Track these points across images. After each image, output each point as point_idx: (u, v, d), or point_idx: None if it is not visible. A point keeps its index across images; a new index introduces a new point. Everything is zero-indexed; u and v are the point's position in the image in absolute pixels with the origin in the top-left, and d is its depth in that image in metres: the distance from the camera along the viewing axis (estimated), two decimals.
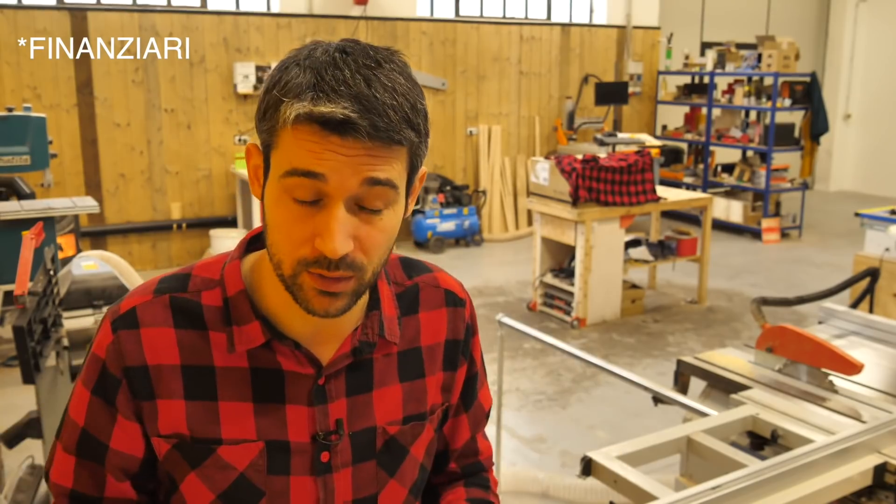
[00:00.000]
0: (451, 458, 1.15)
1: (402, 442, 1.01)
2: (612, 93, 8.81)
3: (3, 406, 3.89)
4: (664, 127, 9.88)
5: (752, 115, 9.02)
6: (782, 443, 1.77)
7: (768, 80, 8.44)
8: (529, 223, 8.39)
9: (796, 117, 9.10)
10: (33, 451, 2.88)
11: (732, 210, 8.61)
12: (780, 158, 8.89)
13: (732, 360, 2.30)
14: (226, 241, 6.70)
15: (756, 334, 2.40)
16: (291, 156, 0.82)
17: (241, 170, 6.90)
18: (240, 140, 7.06)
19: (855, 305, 4.05)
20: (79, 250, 4.62)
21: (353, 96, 0.80)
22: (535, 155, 8.62)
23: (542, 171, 5.62)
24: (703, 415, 2.03)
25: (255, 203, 6.67)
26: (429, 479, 1.14)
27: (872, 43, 11.20)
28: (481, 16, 8.57)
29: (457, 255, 7.58)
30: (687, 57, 9.46)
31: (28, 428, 2.62)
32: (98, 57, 6.53)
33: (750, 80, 8.67)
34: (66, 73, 6.45)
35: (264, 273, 0.94)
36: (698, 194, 7.05)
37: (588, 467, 1.63)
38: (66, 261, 3.30)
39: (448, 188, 7.88)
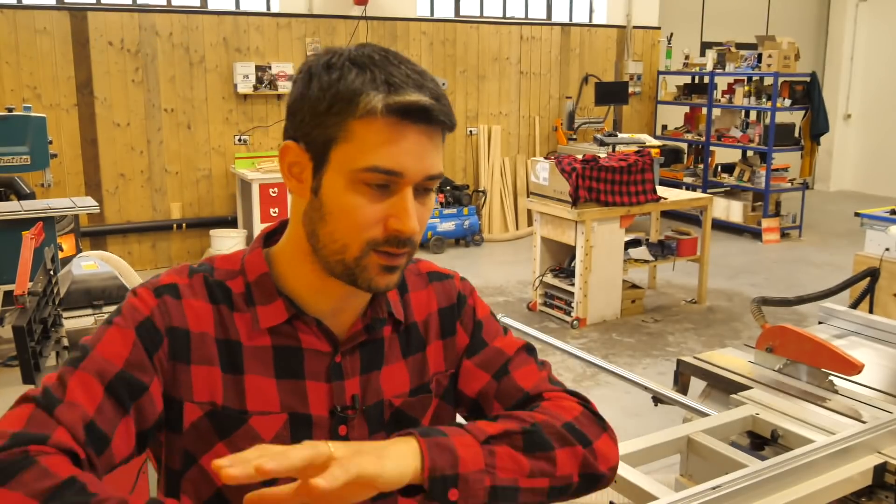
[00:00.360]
0: (482, 406, 1.09)
1: (410, 413, 1.06)
2: (612, 93, 8.81)
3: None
4: (664, 127, 9.88)
5: (752, 115, 9.02)
6: (782, 443, 1.77)
7: (768, 80, 8.44)
8: (529, 223, 8.39)
9: (796, 117, 9.10)
10: None
11: (732, 210, 8.61)
12: (780, 158, 8.89)
13: (732, 360, 2.30)
14: (226, 241, 6.70)
15: (756, 334, 2.40)
16: (370, 150, 0.90)
17: (241, 170, 6.90)
18: (240, 140, 7.06)
19: (855, 305, 4.05)
20: (79, 250, 4.62)
21: (421, 86, 0.93)
22: (535, 155, 8.61)
23: (542, 171, 5.62)
24: (703, 415, 2.03)
25: (256, 203, 6.67)
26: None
27: (872, 43, 11.20)
28: (481, 16, 8.57)
29: (457, 255, 7.58)
30: (687, 57, 9.46)
31: None
32: (98, 57, 6.53)
33: (750, 80, 8.67)
34: (66, 73, 6.45)
35: (285, 260, 1.01)
36: (698, 194, 7.06)
37: None
38: (66, 261, 3.30)
39: (448, 188, 7.88)
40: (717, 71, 8.99)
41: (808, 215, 8.97)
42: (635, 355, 5.01)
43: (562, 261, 5.87)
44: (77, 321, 2.70)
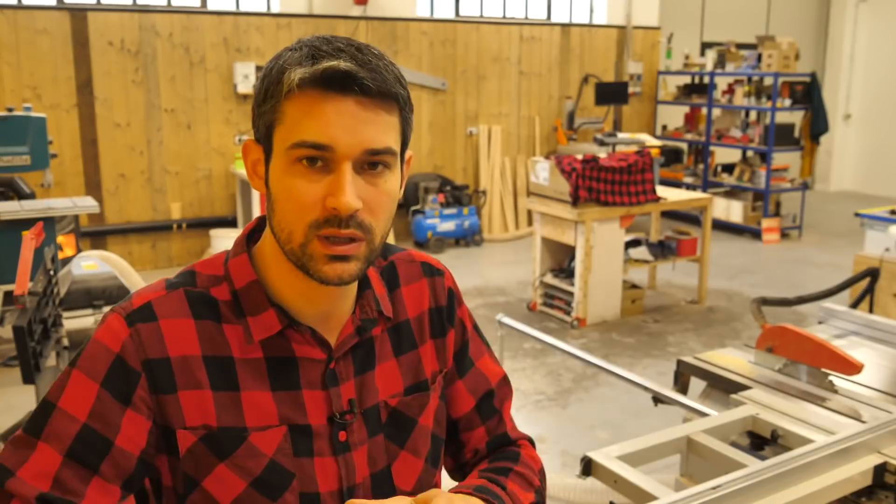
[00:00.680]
0: (459, 428, 1.14)
1: (407, 413, 1.04)
2: (612, 93, 8.81)
3: (3, 406, 3.89)
4: (664, 127, 9.88)
5: (752, 115, 9.02)
6: (782, 443, 1.77)
7: (768, 80, 8.44)
8: (529, 223, 8.39)
9: (796, 117, 9.10)
10: None
11: (732, 210, 8.61)
12: (780, 158, 8.89)
13: (732, 360, 2.30)
14: (226, 241, 6.70)
15: (756, 334, 2.40)
16: (297, 125, 0.87)
17: (242, 170, 6.90)
18: (240, 140, 7.05)
19: (855, 305, 4.05)
20: (79, 250, 4.62)
21: (350, 56, 0.87)
22: (535, 155, 8.61)
23: (542, 171, 5.62)
24: (703, 415, 2.03)
25: (256, 203, 6.68)
26: (458, 451, 1.16)
27: (872, 43, 11.20)
28: (481, 16, 8.57)
29: (457, 255, 7.58)
30: (687, 57, 9.46)
31: None
32: (98, 57, 6.53)
33: (750, 80, 8.67)
34: (66, 73, 6.45)
35: (269, 263, 0.97)
36: (698, 194, 7.05)
37: (588, 467, 1.63)
38: (66, 261, 3.31)
39: (448, 188, 7.88)
40: (717, 71, 8.99)
41: (808, 215, 8.97)
42: (635, 355, 5.01)
43: (562, 261, 5.87)
44: (77, 321, 2.70)
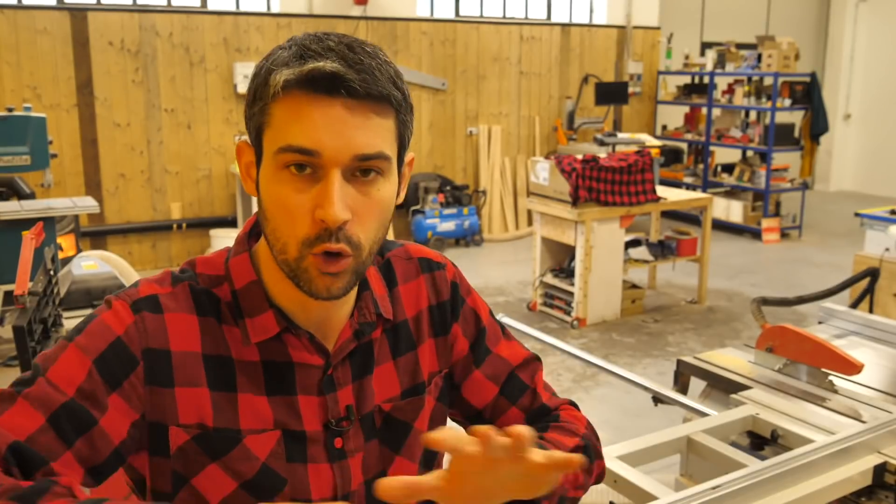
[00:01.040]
0: (486, 417, 1.11)
1: (401, 418, 1.01)
2: (612, 93, 8.81)
3: None
4: (664, 127, 9.88)
5: (752, 115, 9.02)
6: (782, 443, 1.77)
7: (768, 80, 8.44)
8: (529, 223, 8.39)
9: (796, 117, 9.10)
10: None
11: (732, 210, 8.61)
12: (780, 158, 8.89)
13: (732, 360, 2.30)
14: (226, 241, 6.70)
15: (756, 334, 2.40)
16: (283, 129, 0.83)
17: None
18: (240, 140, 7.05)
19: (855, 305, 4.05)
20: (79, 250, 4.62)
21: (339, 56, 0.82)
22: (535, 155, 8.61)
23: (542, 171, 5.62)
24: (703, 415, 2.03)
25: (255, 203, 6.67)
26: None
27: (872, 43, 11.20)
28: (481, 16, 8.57)
29: (457, 255, 7.58)
30: (687, 57, 9.46)
31: None
32: (98, 57, 6.53)
33: (750, 80, 8.67)
34: (66, 73, 6.45)
35: (266, 266, 0.94)
36: (698, 194, 7.05)
37: None
38: (66, 261, 3.30)
39: (448, 188, 7.89)
40: (717, 71, 8.99)
41: (808, 215, 8.97)
42: (635, 355, 5.01)
43: (562, 261, 5.87)
44: (77, 321, 2.70)
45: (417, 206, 7.68)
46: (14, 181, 4.83)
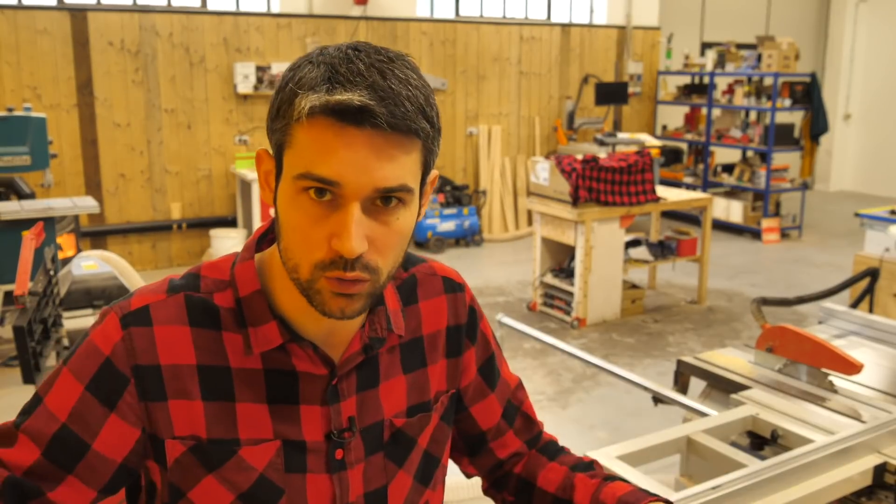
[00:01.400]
0: (488, 438, 1.15)
1: (409, 433, 1.02)
2: (612, 93, 8.81)
3: (3, 406, 3.89)
4: (664, 127, 9.89)
5: (752, 115, 9.02)
6: (782, 443, 1.77)
7: (768, 81, 8.44)
8: (529, 223, 8.39)
9: (796, 117, 9.10)
10: None
11: (732, 210, 8.62)
12: (780, 158, 8.89)
13: (732, 360, 2.30)
14: (226, 241, 6.70)
15: (756, 334, 2.40)
16: (306, 156, 0.81)
17: (241, 170, 6.90)
18: (240, 140, 7.05)
19: (855, 305, 4.05)
20: (79, 250, 4.62)
21: (368, 86, 0.80)
22: (535, 155, 8.62)
23: (542, 171, 5.62)
24: (703, 415, 2.03)
25: (256, 203, 6.67)
26: (492, 460, 1.17)
27: (872, 43, 11.20)
28: (481, 16, 8.57)
29: (457, 255, 7.58)
30: (687, 57, 9.46)
31: None
32: (98, 57, 6.53)
33: (750, 80, 8.67)
34: (66, 73, 6.45)
35: (275, 274, 0.93)
36: (698, 194, 7.05)
37: None
38: (66, 261, 3.31)
39: (448, 188, 7.89)
40: (717, 71, 8.99)
41: (808, 215, 8.97)
42: (635, 355, 5.01)
43: (562, 261, 5.87)
44: (77, 321, 2.70)
45: None
46: (14, 181, 4.83)
